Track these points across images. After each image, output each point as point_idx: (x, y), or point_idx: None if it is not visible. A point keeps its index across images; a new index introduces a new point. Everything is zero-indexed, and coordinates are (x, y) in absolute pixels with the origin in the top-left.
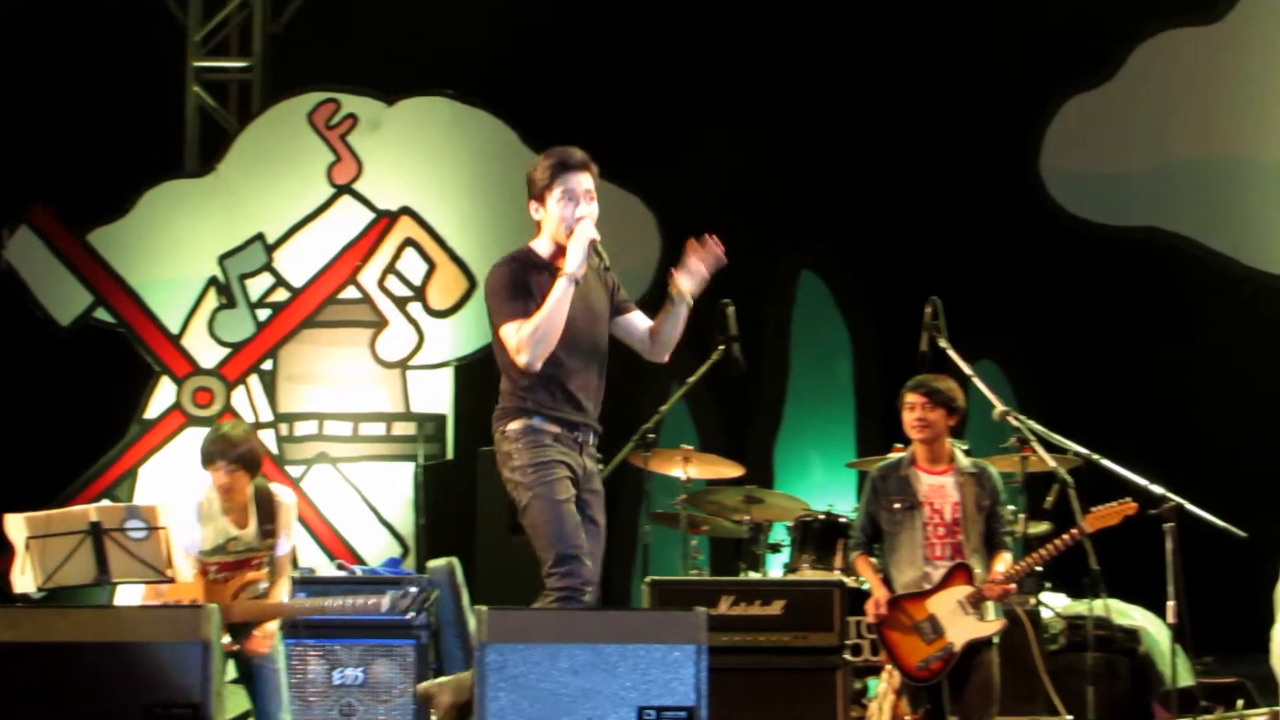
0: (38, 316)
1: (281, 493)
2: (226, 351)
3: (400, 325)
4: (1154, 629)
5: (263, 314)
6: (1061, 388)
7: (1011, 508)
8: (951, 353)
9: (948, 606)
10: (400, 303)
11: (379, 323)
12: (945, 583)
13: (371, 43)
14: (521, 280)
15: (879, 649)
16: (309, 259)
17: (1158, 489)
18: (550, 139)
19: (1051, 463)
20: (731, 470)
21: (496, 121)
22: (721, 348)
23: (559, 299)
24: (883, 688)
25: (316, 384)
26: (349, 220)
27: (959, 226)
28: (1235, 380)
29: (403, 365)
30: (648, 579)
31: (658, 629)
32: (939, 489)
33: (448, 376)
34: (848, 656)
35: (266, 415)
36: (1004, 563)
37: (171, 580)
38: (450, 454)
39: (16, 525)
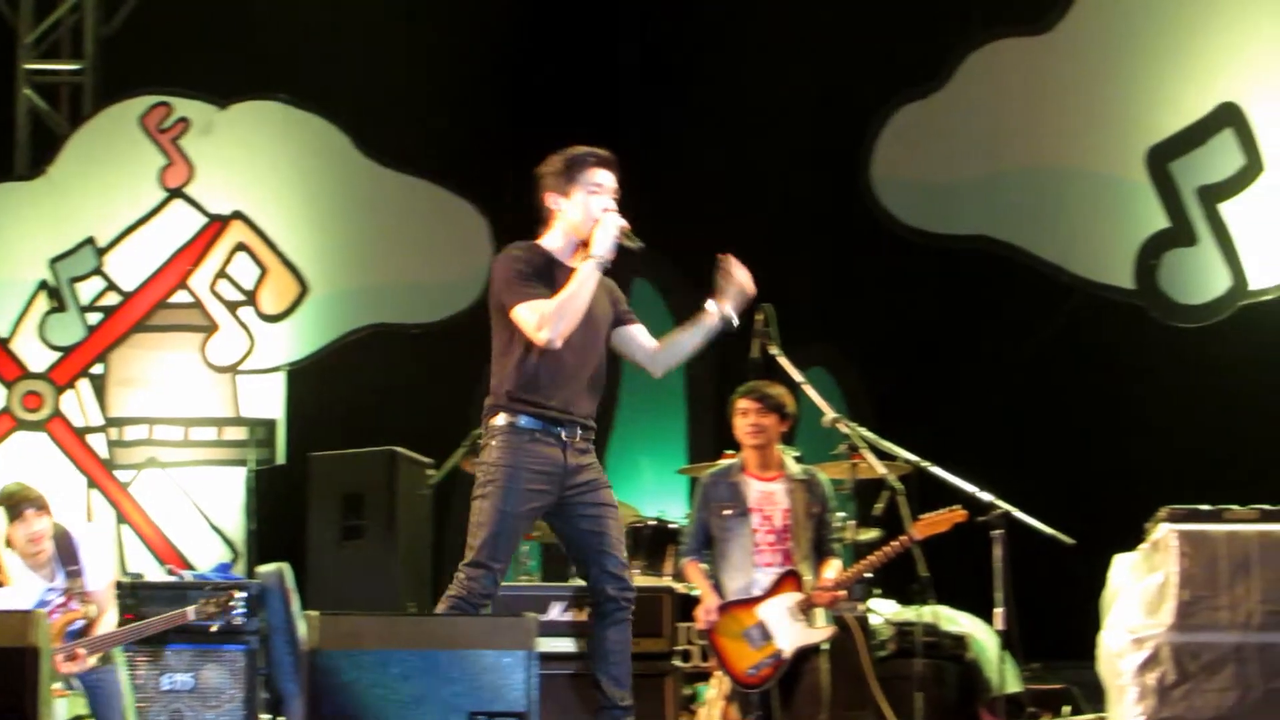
0: None
1: (76, 529)
2: (56, 355)
3: (232, 329)
4: (982, 635)
5: (93, 318)
6: (892, 395)
7: (841, 514)
8: (783, 360)
9: (777, 613)
10: (232, 307)
11: (210, 327)
12: (775, 589)
13: (204, 46)
14: (534, 267)
15: (709, 655)
16: (140, 263)
17: (986, 496)
18: (383, 143)
19: (881, 470)
20: None
21: (329, 126)
22: None
23: (585, 279)
24: (712, 694)
25: (147, 388)
26: (181, 224)
27: (791, 234)
28: (1063, 387)
29: (234, 370)
30: None
31: (488, 635)
32: (769, 496)
33: (279, 381)
34: (677, 663)
35: (97, 419)
36: (833, 569)
37: None
38: (281, 459)
39: None
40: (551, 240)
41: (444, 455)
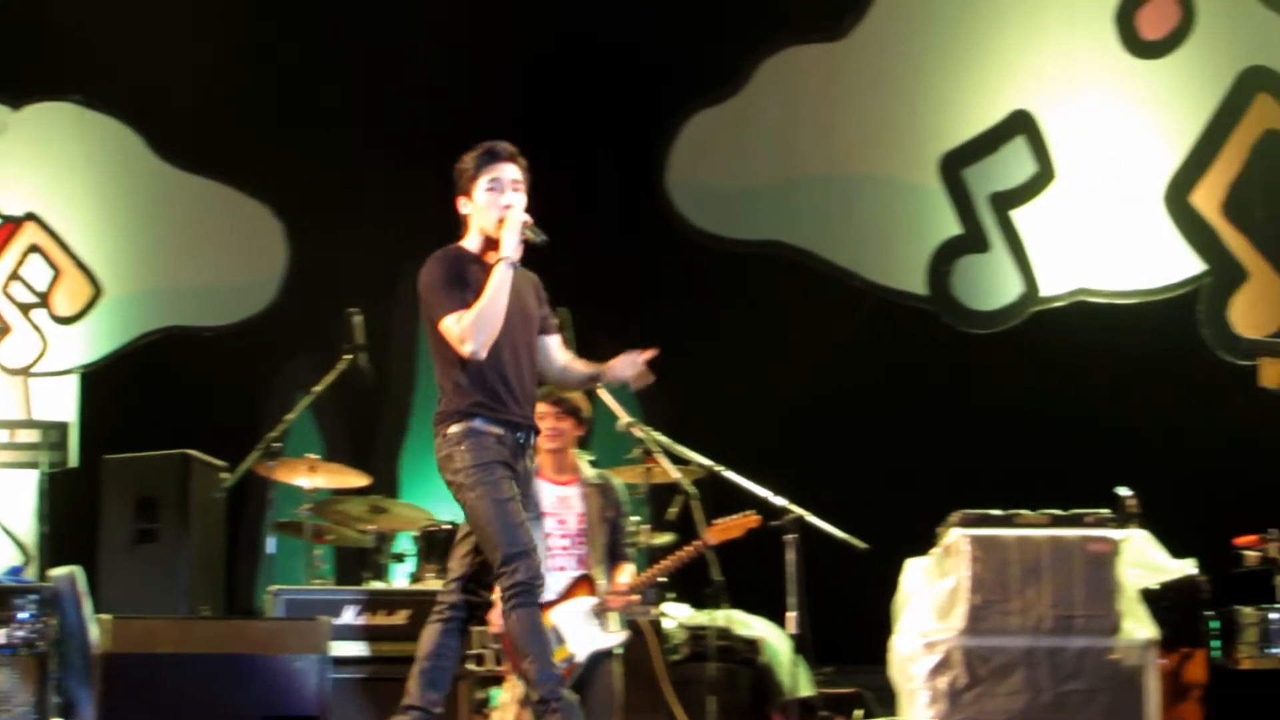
0: None
1: None
2: None
3: (24, 331)
4: (775, 639)
5: None
6: (686, 399)
7: (635, 519)
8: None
9: (571, 617)
10: (24, 309)
11: (2, 329)
12: (569, 593)
13: None
14: (456, 272)
15: (502, 659)
16: None
17: (780, 500)
18: (178, 146)
19: (675, 474)
20: (357, 480)
21: (123, 127)
22: (348, 357)
23: (499, 284)
24: (505, 698)
25: None
26: None
27: (588, 238)
28: (856, 392)
29: (26, 372)
30: (271, 588)
31: (282, 638)
32: (564, 500)
33: (72, 383)
34: (471, 666)
35: None
36: (627, 574)
37: None
38: (74, 462)
39: None
40: (470, 241)
41: (238, 459)
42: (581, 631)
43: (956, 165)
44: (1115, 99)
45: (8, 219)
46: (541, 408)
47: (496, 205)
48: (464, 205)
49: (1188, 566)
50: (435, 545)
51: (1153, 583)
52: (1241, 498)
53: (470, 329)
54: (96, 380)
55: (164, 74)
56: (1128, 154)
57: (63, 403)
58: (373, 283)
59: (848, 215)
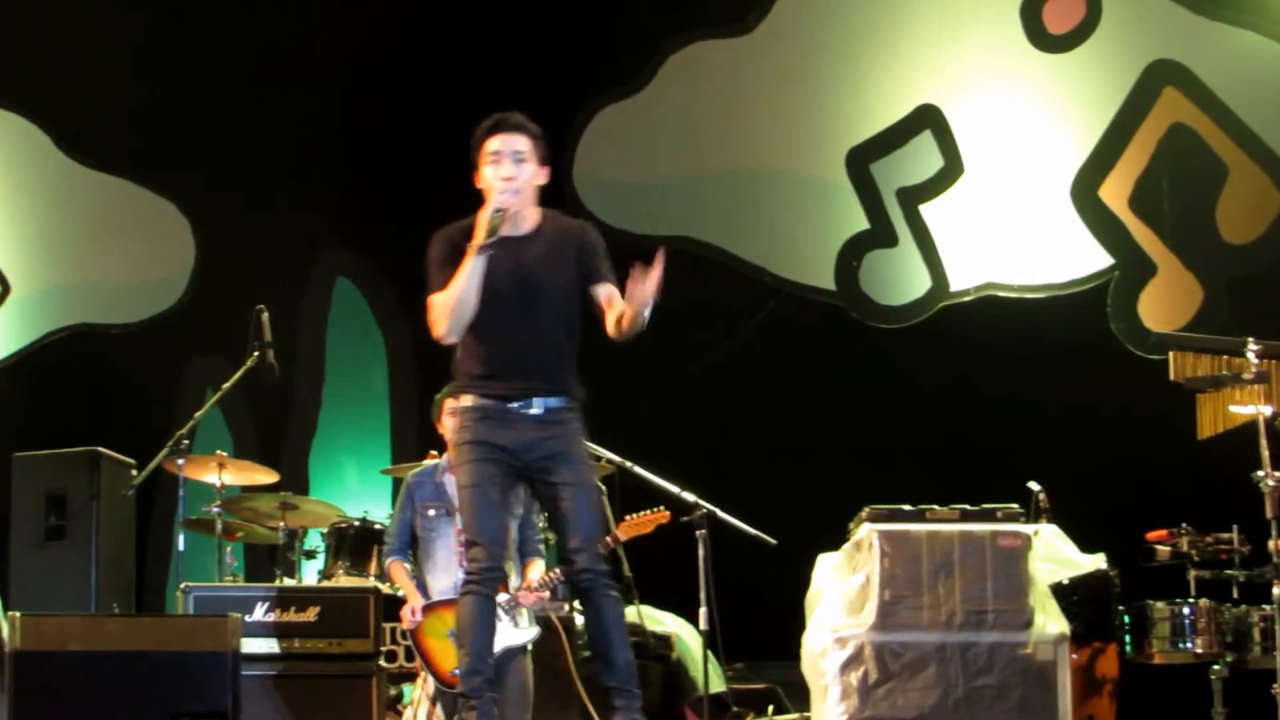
0: None
1: None
2: None
3: None
4: (686, 635)
5: None
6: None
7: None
8: None
9: None
10: None
11: None
12: None
13: None
14: (452, 251)
15: (414, 655)
16: None
17: (690, 496)
18: (84, 144)
19: None
20: (266, 476)
21: (29, 125)
22: (256, 354)
23: (468, 273)
24: (417, 694)
25: None
26: None
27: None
28: (766, 388)
29: None
30: (182, 585)
31: (191, 635)
32: None
33: None
34: (383, 663)
35: None
36: (537, 570)
37: None
38: None
39: None
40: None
41: (147, 456)
42: None
43: (864, 160)
44: (1022, 93)
45: None
46: (452, 403)
47: (494, 178)
48: (480, 181)
49: (1098, 561)
50: (345, 541)
51: (1064, 577)
52: (1151, 492)
53: (439, 315)
54: (4, 378)
55: (70, 71)
56: (1035, 148)
57: None
58: (281, 279)
59: (756, 210)
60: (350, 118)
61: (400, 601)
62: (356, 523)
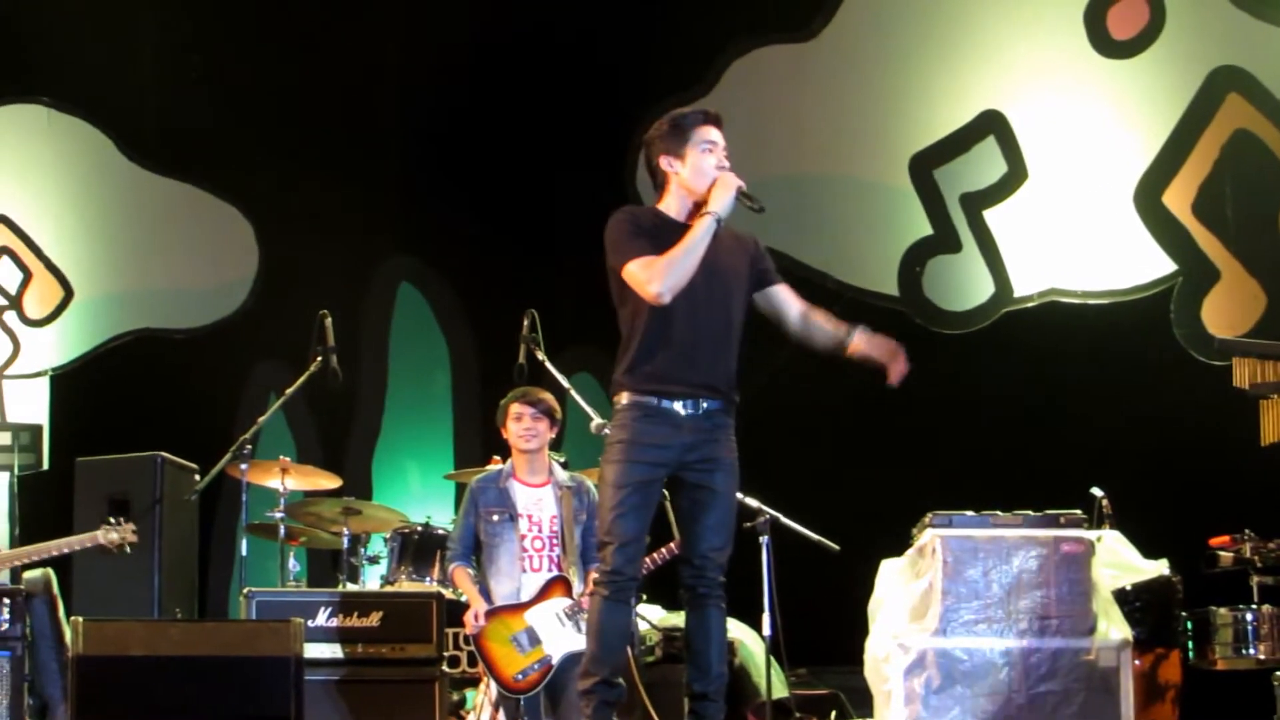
0: None
1: None
2: None
3: None
4: (749, 641)
5: None
6: None
7: None
8: (549, 365)
9: (545, 618)
10: None
11: None
12: (543, 594)
13: None
14: (644, 226)
15: (477, 660)
16: None
17: (753, 502)
18: (148, 148)
19: None
20: (329, 482)
21: (93, 129)
22: (319, 359)
23: (700, 235)
24: (480, 699)
25: None
26: None
27: (554, 239)
28: (829, 393)
29: None
30: (245, 590)
31: (254, 640)
32: (537, 501)
33: (44, 386)
34: (445, 668)
35: None
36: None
37: None
38: (46, 464)
39: None
40: (668, 204)
41: (210, 461)
42: (556, 633)
43: (927, 165)
44: (1086, 99)
45: None
46: (518, 408)
47: (710, 166)
48: (669, 164)
49: (1161, 567)
50: (408, 546)
51: (1126, 583)
52: (1214, 498)
53: (661, 270)
54: (68, 382)
55: (133, 76)
56: (1099, 154)
57: (35, 405)
58: (344, 284)
59: (819, 216)
60: (414, 123)
61: (463, 606)
62: (419, 528)
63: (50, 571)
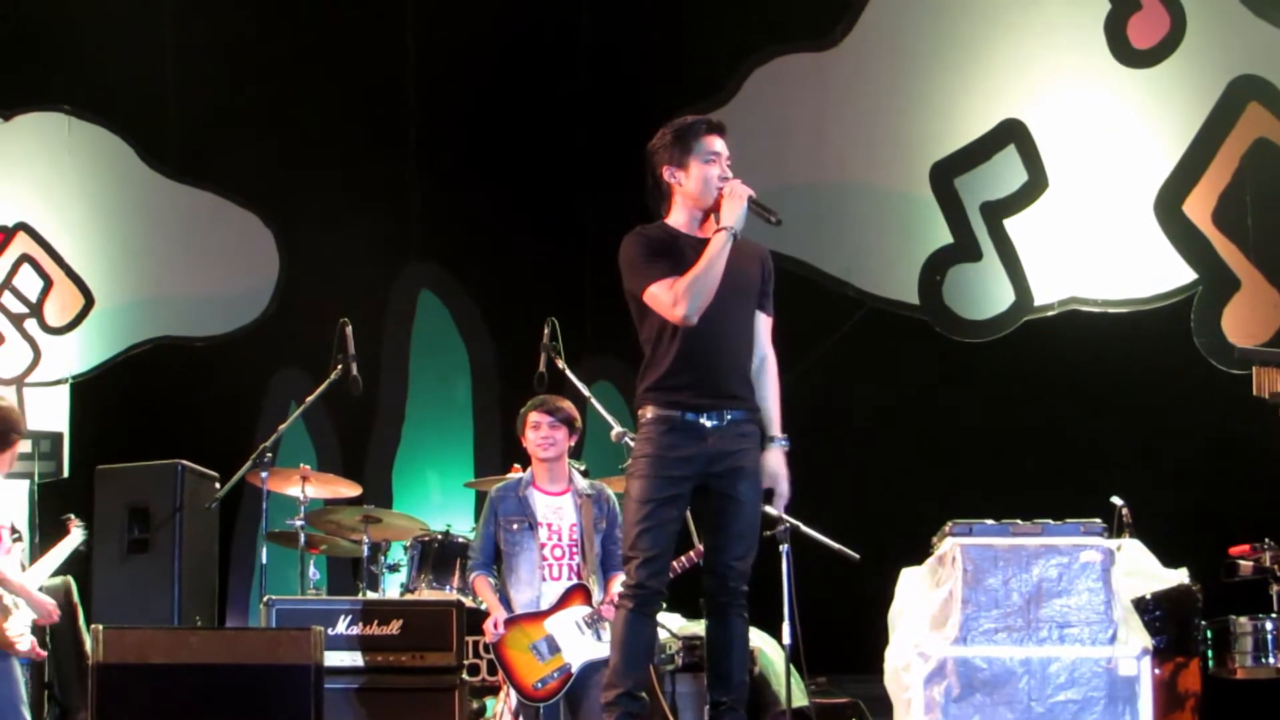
0: None
1: None
2: None
3: (16, 342)
4: (769, 649)
5: None
6: None
7: None
8: (569, 374)
9: (565, 626)
10: (16, 319)
11: None
12: (563, 602)
13: None
14: (658, 245)
15: (496, 669)
16: None
17: (773, 510)
18: (168, 156)
19: None
20: (349, 489)
21: (114, 137)
22: (339, 367)
23: (718, 251)
24: (500, 707)
25: None
26: None
27: (574, 248)
28: (850, 401)
29: (19, 382)
30: (265, 598)
31: (274, 649)
32: (557, 509)
33: (64, 394)
34: (465, 676)
35: None
36: (619, 585)
37: None
38: (67, 472)
39: None
40: (675, 216)
41: (230, 469)
42: (576, 641)
43: (948, 174)
44: (1106, 108)
45: None
46: (536, 417)
47: (714, 176)
48: (671, 175)
49: (1181, 576)
50: (428, 555)
51: (1146, 592)
52: (1234, 507)
53: (684, 292)
54: (89, 390)
55: (154, 83)
56: (1119, 163)
57: (55, 413)
58: (365, 292)
59: (839, 225)
60: (435, 132)
61: (482, 615)
62: (439, 536)
63: (70, 579)
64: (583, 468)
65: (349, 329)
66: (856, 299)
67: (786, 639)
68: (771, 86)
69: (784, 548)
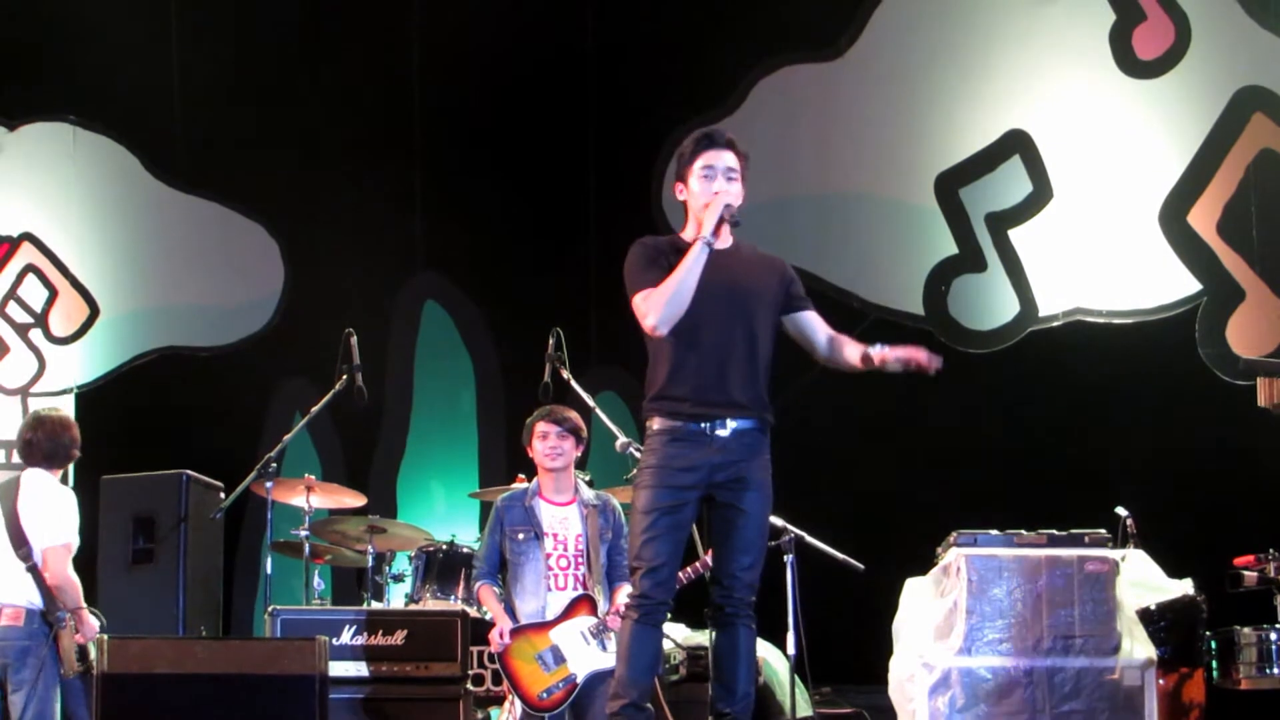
0: None
1: None
2: None
3: (21, 352)
4: (774, 659)
5: None
6: None
7: None
8: (574, 384)
9: (570, 636)
10: (21, 329)
11: None
12: (568, 613)
13: None
14: (655, 255)
15: (501, 679)
16: None
17: (778, 521)
18: (174, 166)
19: None
20: (354, 500)
21: (119, 148)
22: (344, 377)
23: (691, 262)
24: (505, 718)
25: None
26: None
27: (580, 258)
28: (853, 412)
29: (24, 392)
30: (269, 608)
31: (279, 658)
32: (563, 520)
33: (69, 404)
34: (470, 686)
35: None
36: (626, 594)
37: None
38: (71, 482)
39: None
40: (688, 229)
41: (235, 479)
42: (581, 651)
43: (953, 184)
44: (1111, 119)
45: (3, 239)
46: (543, 426)
47: (707, 191)
48: (680, 190)
49: (1185, 586)
50: (433, 565)
51: (1151, 603)
52: (1239, 517)
53: (655, 303)
54: (93, 400)
55: (159, 94)
56: (1124, 173)
57: None
58: (369, 302)
59: (844, 234)
60: (440, 142)
61: (488, 625)
62: (444, 546)
63: None
64: (588, 478)
65: (354, 339)
66: (861, 309)
67: (791, 649)
68: (777, 97)
69: (789, 558)
